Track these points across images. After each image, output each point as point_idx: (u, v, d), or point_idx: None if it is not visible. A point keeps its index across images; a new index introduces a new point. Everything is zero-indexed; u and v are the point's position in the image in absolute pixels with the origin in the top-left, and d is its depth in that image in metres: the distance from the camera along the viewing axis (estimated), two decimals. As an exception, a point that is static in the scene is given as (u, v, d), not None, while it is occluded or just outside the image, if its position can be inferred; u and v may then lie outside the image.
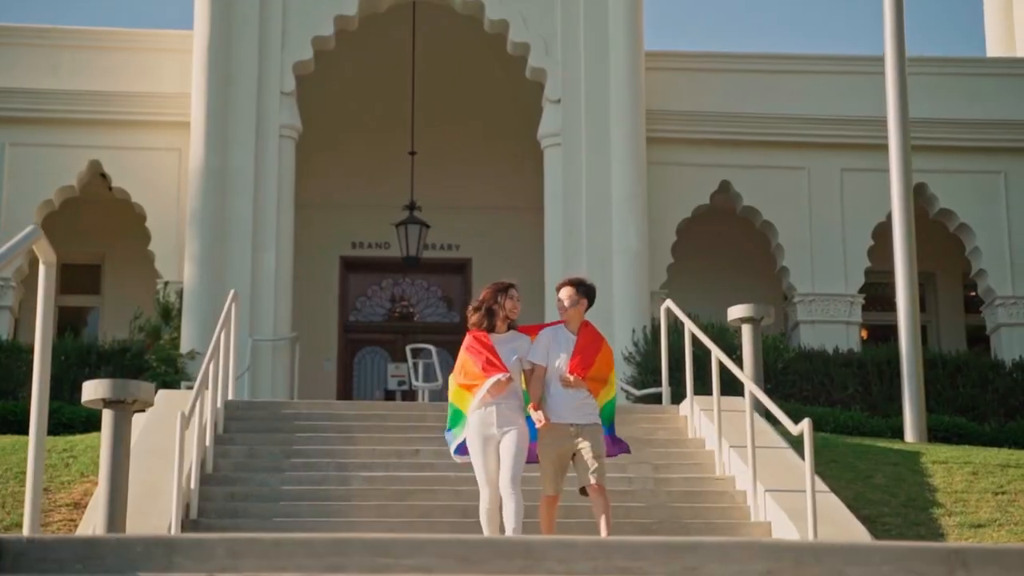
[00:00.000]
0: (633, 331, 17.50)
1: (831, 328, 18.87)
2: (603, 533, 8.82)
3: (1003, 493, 10.78)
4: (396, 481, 10.65)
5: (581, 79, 18.49)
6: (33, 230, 6.53)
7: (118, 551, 4.54)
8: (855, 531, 9.33)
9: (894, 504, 10.52)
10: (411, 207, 20.55)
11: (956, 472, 11.40)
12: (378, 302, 22.42)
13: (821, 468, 10.78)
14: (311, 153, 20.14)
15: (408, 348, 18.42)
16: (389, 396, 21.20)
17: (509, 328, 9.33)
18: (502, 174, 21.69)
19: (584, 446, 9.11)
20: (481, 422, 9.07)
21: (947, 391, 17.64)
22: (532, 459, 9.24)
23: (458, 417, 9.26)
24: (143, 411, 9.38)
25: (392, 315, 22.42)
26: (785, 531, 9.51)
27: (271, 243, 18.02)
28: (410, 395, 20.90)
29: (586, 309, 9.45)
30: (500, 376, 8.97)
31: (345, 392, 21.57)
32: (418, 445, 11.52)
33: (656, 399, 14.98)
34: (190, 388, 15.39)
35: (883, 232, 19.43)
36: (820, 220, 19.32)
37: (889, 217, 19.31)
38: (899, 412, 17.25)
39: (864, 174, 19.39)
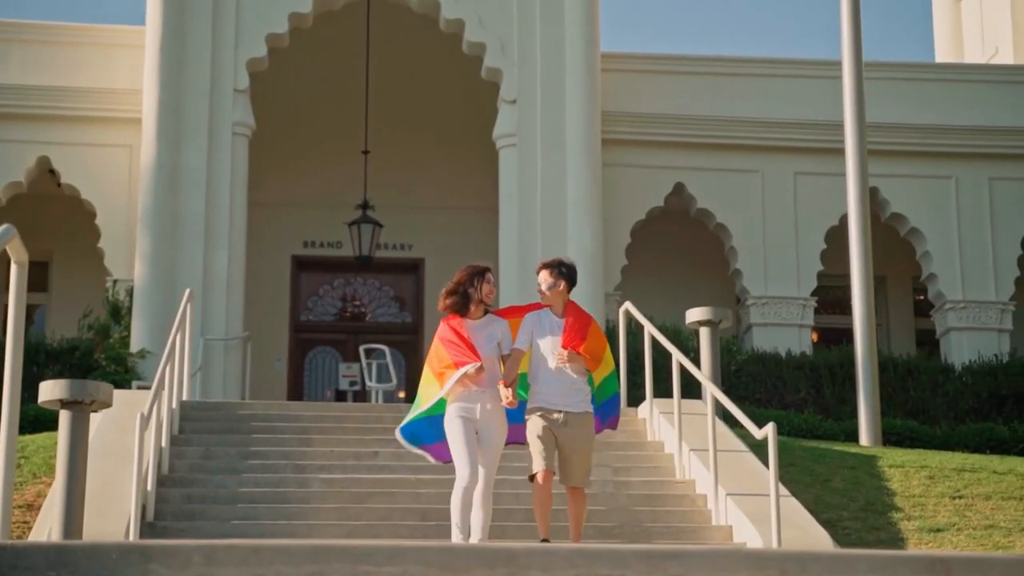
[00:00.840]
0: (587, 333, 17.47)
1: (784, 331, 18.94)
2: (572, 538, 8.62)
3: (960, 497, 10.83)
4: (355, 483, 10.56)
5: (537, 80, 18.45)
6: (7, 229, 6.41)
7: (92, 557, 4.44)
8: (817, 535, 9.34)
9: (853, 508, 10.55)
10: (364, 206, 20.43)
11: (913, 476, 11.44)
12: (330, 302, 22.29)
13: (780, 472, 10.75)
14: (264, 151, 19.98)
15: (362, 348, 18.30)
16: (340, 396, 21.07)
17: (484, 313, 8.96)
18: (456, 174, 21.62)
19: (571, 440, 8.69)
20: (462, 405, 8.71)
21: (898, 394, 17.74)
22: (514, 439, 8.94)
23: (424, 411, 8.96)
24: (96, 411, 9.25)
25: (344, 315, 22.29)
26: (747, 535, 9.51)
27: (223, 241, 17.86)
28: (361, 395, 20.80)
29: (568, 290, 9.05)
30: (468, 367, 8.59)
31: (296, 392, 21.42)
32: (376, 447, 11.43)
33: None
34: (142, 388, 15.24)
35: (835, 236, 19.52)
36: (773, 223, 19.38)
37: (842, 221, 19.51)
38: (851, 415, 17.35)
39: (817, 178, 19.47)
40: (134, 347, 17.20)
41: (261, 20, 18.51)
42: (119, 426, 11.02)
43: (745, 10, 49.01)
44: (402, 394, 20.65)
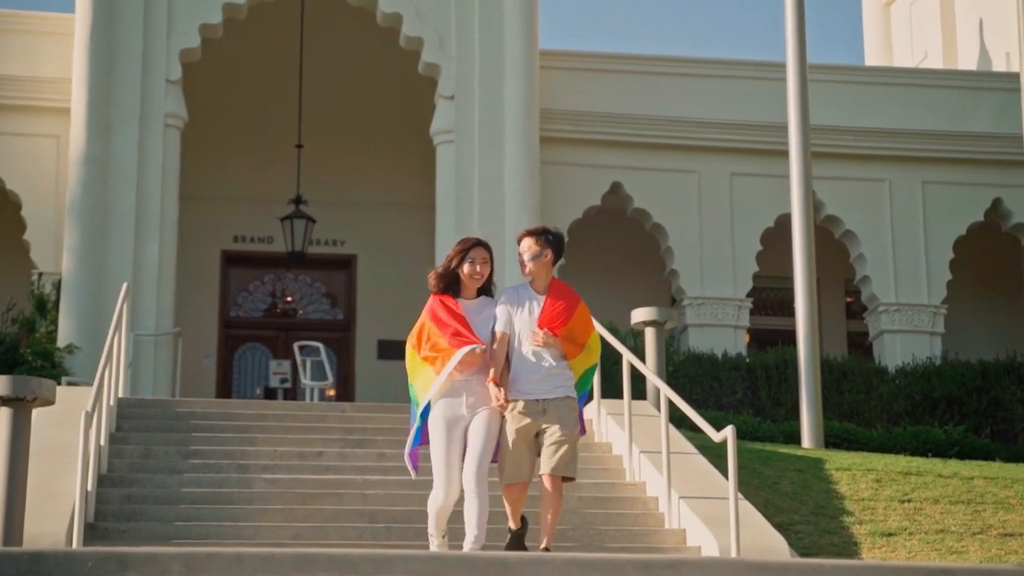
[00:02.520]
0: (524, 332, 17.31)
1: (719, 332, 18.92)
2: (542, 542, 8.04)
3: (909, 501, 10.82)
4: (300, 484, 10.32)
5: (475, 76, 18.27)
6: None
7: (66, 565, 4.22)
8: (772, 539, 9.25)
9: (804, 512, 10.49)
10: (297, 201, 20.16)
11: (860, 479, 11.42)
12: (260, 297, 21.96)
13: (726, 473, 10.68)
14: (195, 143, 19.62)
15: (296, 345, 18.03)
16: (270, 394, 20.77)
17: (480, 294, 8.11)
18: (391, 170, 21.38)
19: (549, 426, 7.85)
20: (448, 401, 7.90)
21: (833, 396, 17.76)
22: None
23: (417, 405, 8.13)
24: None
25: (274, 311, 21.97)
26: (701, 538, 9.40)
27: (154, 235, 17.50)
28: (292, 393, 20.52)
29: (554, 263, 8.15)
30: (474, 347, 7.76)
31: (225, 389, 21.08)
32: (320, 447, 11.21)
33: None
34: (72, 383, 14.87)
35: (771, 237, 19.56)
36: (710, 224, 19.35)
37: (777, 222, 19.56)
38: (787, 417, 17.39)
39: (754, 179, 19.49)
40: (61, 342, 16.80)
41: (194, 10, 18.17)
42: (53, 423, 10.69)
43: (687, 10, 49.18)
44: (332, 392, 20.38)
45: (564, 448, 7.90)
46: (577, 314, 8.12)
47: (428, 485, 10.33)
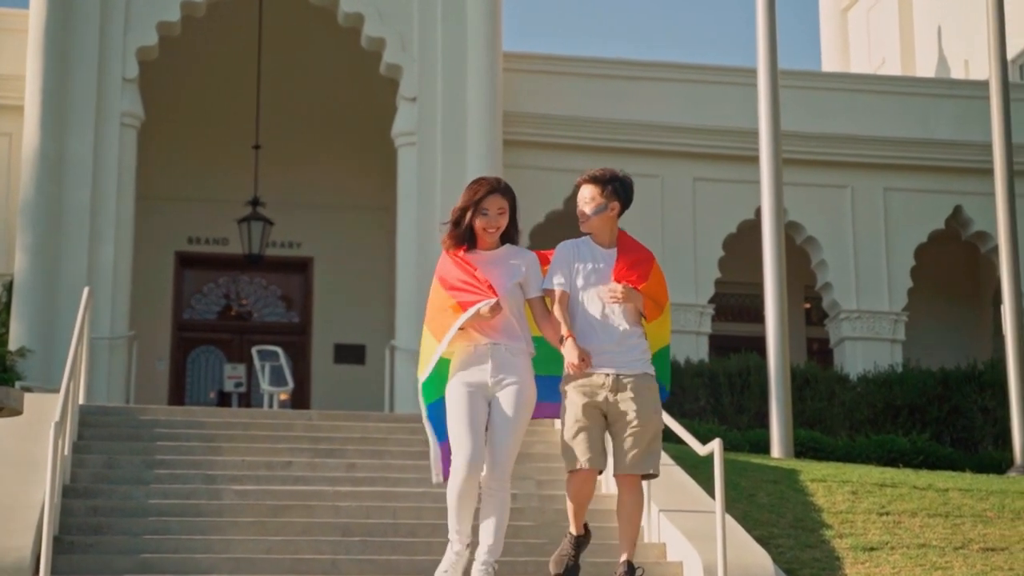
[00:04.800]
0: (487, 337, 17.10)
1: (681, 338, 18.76)
2: (623, 552, 6.89)
3: (887, 514, 10.70)
4: (270, 495, 10.06)
5: (438, 77, 18.03)
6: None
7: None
8: (756, 555, 9.09)
9: (783, 524, 10.34)
10: (254, 203, 19.86)
11: (837, 491, 11.29)
12: (214, 300, 21.63)
13: (705, 485, 10.55)
14: (150, 142, 19.27)
15: (255, 350, 17.72)
16: (224, 398, 20.46)
17: (503, 242, 6.88)
18: (349, 172, 21.13)
19: (626, 411, 6.57)
20: (466, 366, 6.70)
21: (795, 404, 17.65)
22: (542, 413, 6.98)
23: (432, 383, 6.92)
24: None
25: (228, 314, 21.64)
26: (683, 554, 9.23)
27: (109, 236, 17.14)
28: (247, 398, 20.24)
29: (620, 215, 6.86)
30: (486, 302, 6.57)
31: (178, 393, 20.76)
32: (288, 456, 10.96)
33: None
34: (25, 389, 14.51)
35: (733, 243, 19.46)
36: (672, 229, 19.22)
37: (740, 228, 19.46)
38: (750, 424, 17.30)
39: (717, 184, 19.40)
40: (13, 345, 16.42)
41: (152, 6, 17.82)
42: (9, 432, 10.39)
43: (654, 14, 49.16)
44: (284, 396, 20.09)
45: (646, 440, 6.65)
46: (654, 272, 6.90)
47: (403, 497, 10.19)
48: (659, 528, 9.68)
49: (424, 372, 6.91)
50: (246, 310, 21.67)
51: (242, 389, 20.00)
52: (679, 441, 9.86)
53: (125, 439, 11.21)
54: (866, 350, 19.34)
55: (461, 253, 6.85)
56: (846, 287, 19.62)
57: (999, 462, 16.47)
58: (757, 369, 17.57)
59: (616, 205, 6.83)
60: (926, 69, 24.32)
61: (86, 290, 12.11)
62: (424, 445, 11.61)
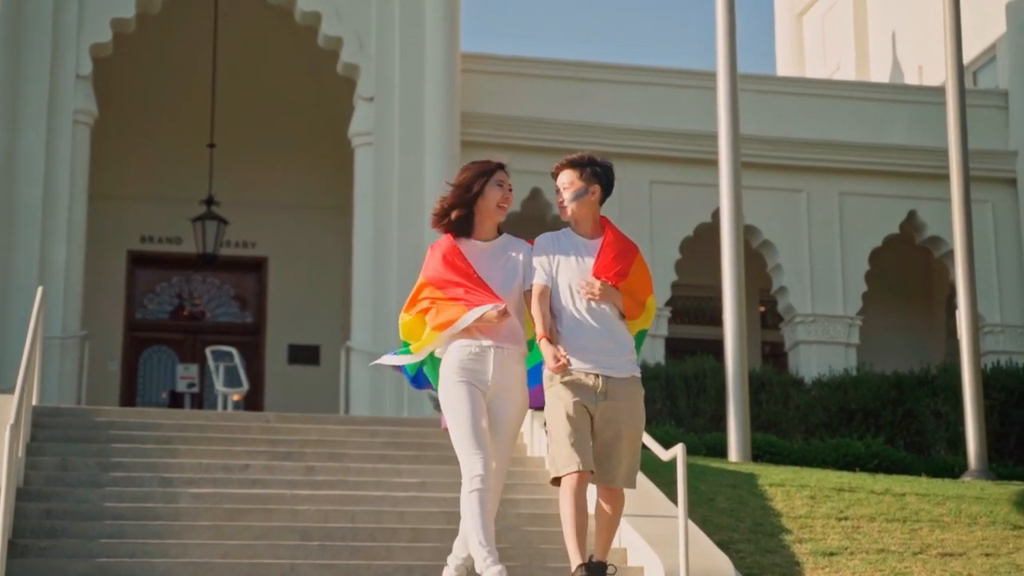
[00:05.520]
0: (443, 339, 17.02)
1: (638, 341, 18.77)
2: (598, 555, 6.74)
3: (846, 519, 10.71)
4: (227, 499, 9.95)
5: (396, 77, 17.95)
6: None
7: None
8: (718, 560, 9.07)
9: (742, 529, 10.33)
10: (209, 202, 19.70)
11: (795, 496, 11.30)
12: (167, 299, 21.45)
13: (665, 489, 10.54)
14: (103, 140, 19.08)
15: (209, 350, 17.57)
16: (176, 398, 20.28)
17: (499, 234, 6.49)
18: (305, 171, 21.00)
19: (618, 419, 6.27)
20: (467, 363, 6.26)
21: (751, 407, 17.67)
22: (536, 404, 6.59)
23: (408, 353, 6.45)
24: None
25: (181, 314, 21.46)
26: (644, 559, 9.19)
27: (62, 234, 16.97)
28: (200, 398, 20.07)
29: (602, 201, 6.57)
30: (495, 306, 6.13)
31: (130, 393, 20.58)
32: (245, 459, 10.85)
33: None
34: (-26, 389, 14.33)
35: (689, 246, 19.48)
36: (629, 232, 18.83)
37: (696, 231, 19.49)
38: (705, 428, 17.28)
39: (674, 187, 19.41)
40: (-39, 344, 16.22)
41: (106, 3, 17.68)
42: (-38, 432, 10.23)
43: (613, 17, 49.21)
44: (237, 397, 19.94)
45: (635, 450, 6.44)
46: (636, 266, 6.60)
47: (362, 500, 10.10)
48: (619, 533, 9.63)
49: (424, 350, 6.43)
50: (199, 310, 21.50)
51: (195, 390, 19.85)
52: (644, 447, 9.80)
53: (79, 441, 11.07)
54: (821, 354, 19.41)
55: (453, 253, 6.35)
56: (801, 291, 19.68)
57: (952, 466, 16.54)
58: (713, 372, 17.56)
59: (597, 189, 6.54)
60: (880, 74, 24.44)
61: (40, 290, 11.97)
62: (384, 448, 11.56)
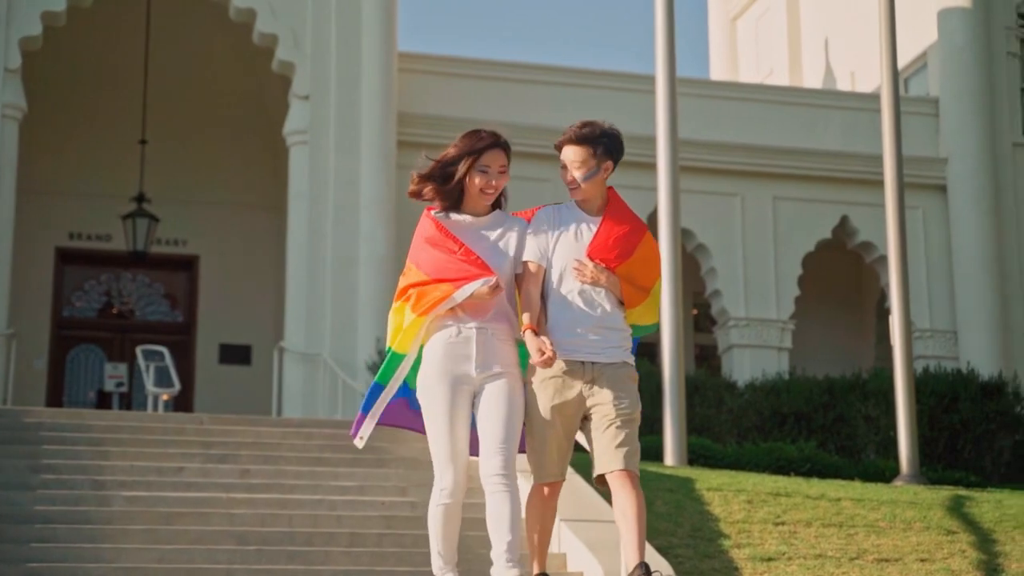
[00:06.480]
0: (377, 339, 16.91)
1: (572, 343, 18.77)
2: (632, 556, 6.11)
3: (783, 524, 10.73)
4: (161, 502, 9.78)
5: (331, 76, 17.82)
6: None
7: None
8: (658, 565, 9.01)
9: (681, 534, 10.31)
10: (140, 199, 19.45)
11: (732, 500, 11.30)
12: (95, 297, 21.16)
13: (605, 494, 10.49)
14: (32, 135, 18.78)
15: (139, 350, 17.34)
16: (104, 398, 20.01)
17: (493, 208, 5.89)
18: (239, 169, 20.80)
19: (605, 403, 5.81)
20: (449, 353, 5.70)
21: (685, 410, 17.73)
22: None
23: (394, 363, 5.88)
24: None
25: (110, 312, 21.17)
26: (584, 564, 9.15)
27: (-12, 231, 16.70)
28: (128, 398, 19.82)
29: (609, 175, 5.92)
30: (485, 281, 5.62)
31: (56, 393, 20.27)
32: (180, 462, 10.67)
33: (410, 413, 14.50)
34: None
35: (624, 249, 19.48)
36: (563, 236, 19.16)
37: (631, 234, 19.48)
38: (641, 431, 17.28)
39: (608, 190, 19.39)
40: None
41: (37, -4, 17.39)
42: None
43: (553, 19, 49.21)
44: (166, 397, 19.72)
45: (631, 430, 5.95)
46: (642, 247, 5.95)
47: (299, 504, 9.99)
48: (560, 538, 9.59)
49: (407, 346, 5.87)
50: (128, 308, 21.23)
51: (123, 389, 19.59)
52: (580, 449, 9.77)
53: (8, 442, 10.85)
54: (754, 357, 19.50)
55: (436, 226, 5.79)
56: (735, 295, 19.76)
57: (883, 470, 16.67)
58: (647, 375, 17.54)
59: (609, 165, 5.88)
60: (813, 80, 24.61)
61: (-31, 288, 11.71)
62: (320, 451, 11.44)
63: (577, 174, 5.89)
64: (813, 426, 18.22)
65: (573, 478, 10.71)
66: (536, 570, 6.36)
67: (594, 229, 5.89)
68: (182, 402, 19.83)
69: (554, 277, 5.87)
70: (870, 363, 20.58)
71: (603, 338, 5.83)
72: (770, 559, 9.83)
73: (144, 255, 19.42)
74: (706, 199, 19.95)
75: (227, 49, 19.92)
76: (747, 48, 27.09)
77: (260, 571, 8.62)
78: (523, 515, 6.24)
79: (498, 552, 5.93)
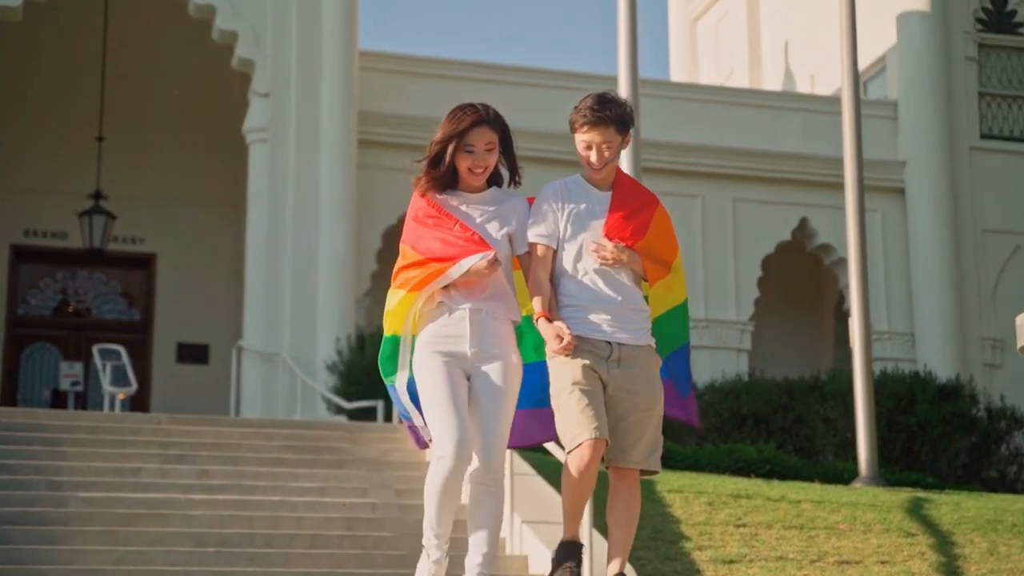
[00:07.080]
0: (337, 339, 16.81)
1: (532, 344, 18.73)
2: (616, 564, 5.82)
3: (744, 526, 10.73)
4: (119, 503, 9.68)
5: (292, 74, 17.72)
6: None
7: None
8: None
9: (642, 536, 10.27)
10: (96, 196, 19.28)
11: (693, 502, 11.29)
12: (51, 295, 20.95)
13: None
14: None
15: (96, 348, 17.17)
16: (59, 397, 19.82)
17: (489, 184, 5.64)
18: (197, 167, 20.64)
19: (632, 390, 5.41)
20: (441, 333, 5.43)
21: (643, 411, 17.77)
22: (532, 437, 5.81)
23: (387, 349, 5.59)
24: None
25: (65, 310, 20.97)
26: (546, 566, 9.10)
27: (-58, 228, 16.51)
28: (83, 397, 19.64)
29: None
30: (483, 256, 5.34)
31: (10, 392, 20.06)
32: (138, 462, 10.57)
33: (369, 414, 14.43)
34: None
35: (584, 249, 19.46)
36: (523, 237, 19.13)
37: (591, 235, 19.46)
38: (600, 432, 17.31)
39: (570, 191, 19.36)
40: None
41: (-7, -10, 17.21)
42: None
43: (518, 19, 49.15)
44: (123, 396, 19.55)
45: (653, 425, 5.50)
46: (656, 220, 5.66)
47: (259, 506, 9.90)
48: (521, 540, 9.56)
49: (398, 326, 5.58)
50: (84, 306, 21.04)
51: (79, 388, 19.42)
52: (543, 451, 9.74)
53: (-37, 442, 10.72)
54: (713, 359, 19.53)
55: (435, 199, 5.59)
56: (695, 296, 19.74)
57: (842, 472, 16.71)
58: (608, 377, 17.60)
59: (629, 138, 5.57)
60: (773, 82, 24.67)
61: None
62: (280, 452, 11.35)
63: (607, 153, 5.56)
64: (772, 428, 18.26)
65: (533, 479, 10.70)
66: (567, 536, 6.02)
67: (606, 205, 5.56)
68: (139, 402, 19.65)
69: (569, 256, 5.53)
70: (829, 365, 20.63)
71: (626, 317, 5.48)
72: (731, 561, 9.82)
73: (101, 253, 19.24)
74: (666, 200, 19.65)
75: (186, 46, 19.76)
76: (707, 50, 27.14)
77: (219, 573, 8.54)
78: (561, 489, 5.81)
79: (472, 563, 5.60)
